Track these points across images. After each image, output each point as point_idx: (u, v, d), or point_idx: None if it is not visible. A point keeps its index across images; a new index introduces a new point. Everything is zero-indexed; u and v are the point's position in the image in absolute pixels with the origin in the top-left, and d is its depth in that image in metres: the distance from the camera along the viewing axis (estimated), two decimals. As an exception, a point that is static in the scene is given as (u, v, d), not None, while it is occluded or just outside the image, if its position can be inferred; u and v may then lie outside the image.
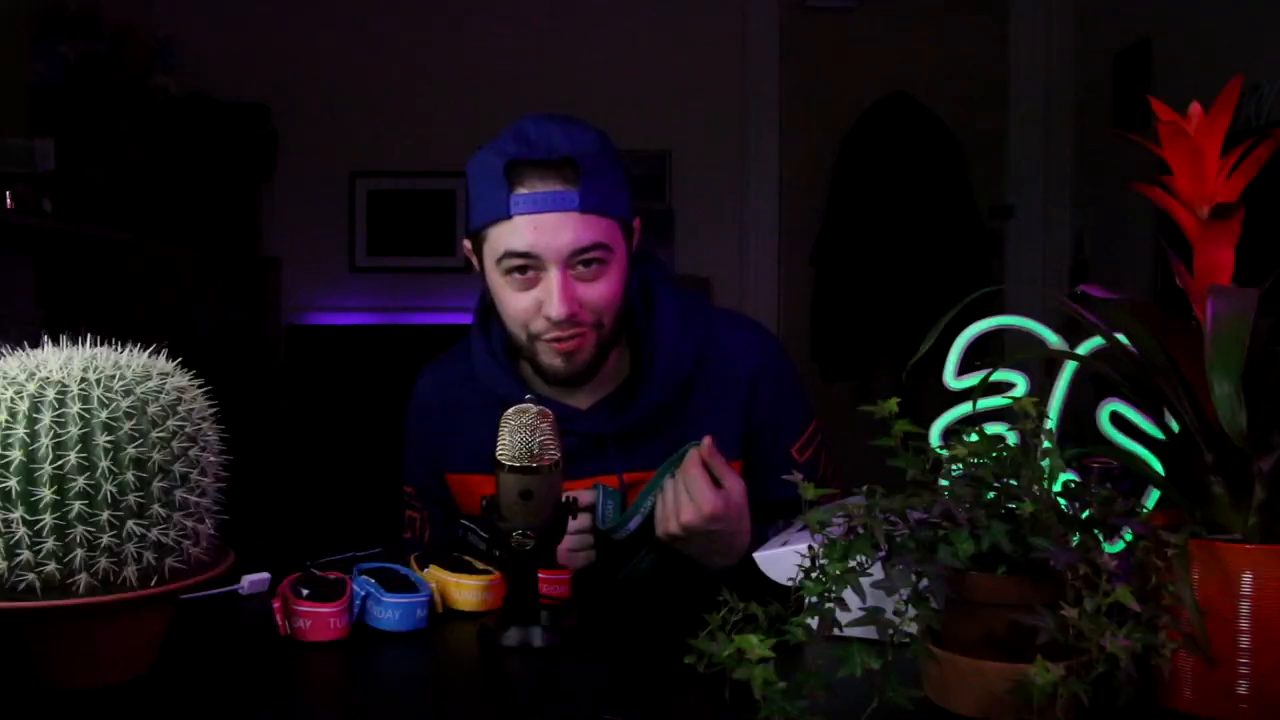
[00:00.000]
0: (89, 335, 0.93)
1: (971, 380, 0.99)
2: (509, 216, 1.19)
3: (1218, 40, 2.80)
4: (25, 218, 2.56)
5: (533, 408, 1.01)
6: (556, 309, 1.19)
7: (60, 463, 0.84)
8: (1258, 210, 0.85)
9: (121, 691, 0.88)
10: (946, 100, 3.83)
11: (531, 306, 1.22)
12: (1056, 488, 0.83)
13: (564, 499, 1.03)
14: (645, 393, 1.29)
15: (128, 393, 0.87)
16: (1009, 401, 0.89)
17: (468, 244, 1.28)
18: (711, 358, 1.32)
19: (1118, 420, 0.95)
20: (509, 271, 1.21)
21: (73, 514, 0.84)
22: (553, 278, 1.19)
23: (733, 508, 1.17)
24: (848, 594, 0.79)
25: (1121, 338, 0.88)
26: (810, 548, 0.83)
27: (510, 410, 1.01)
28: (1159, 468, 0.92)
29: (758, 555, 1.09)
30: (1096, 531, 0.82)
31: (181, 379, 0.93)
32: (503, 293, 1.23)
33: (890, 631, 0.78)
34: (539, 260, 1.19)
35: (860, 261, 3.80)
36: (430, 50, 3.77)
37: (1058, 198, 3.82)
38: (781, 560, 1.05)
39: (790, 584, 0.82)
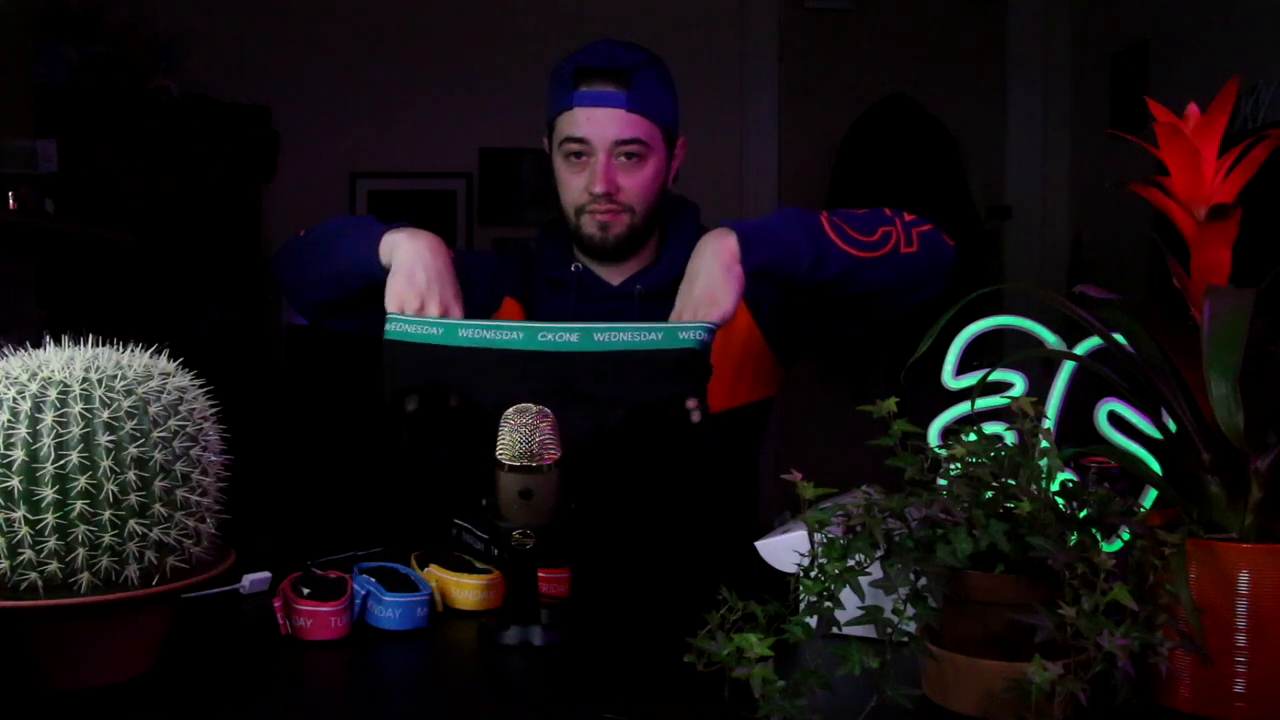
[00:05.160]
0: (91, 335, 0.94)
1: (970, 380, 0.99)
2: (571, 108, 1.46)
3: (1215, 42, 2.80)
4: (28, 218, 2.56)
5: (532, 408, 1.02)
6: (598, 185, 1.46)
7: (62, 462, 0.84)
8: (1254, 211, 0.85)
9: (123, 690, 0.89)
10: (945, 101, 3.83)
11: (581, 185, 1.48)
12: (1054, 487, 0.84)
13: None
14: (669, 250, 1.53)
15: (129, 392, 0.88)
16: (1007, 401, 0.90)
17: (546, 141, 1.56)
18: None
19: (1115, 420, 0.96)
20: (567, 155, 1.48)
21: (74, 513, 0.84)
22: (599, 161, 1.45)
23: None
24: (846, 593, 0.80)
25: (1119, 338, 0.89)
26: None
27: (510, 410, 1.02)
28: (1156, 467, 0.92)
29: (760, 544, 1.09)
30: (1094, 531, 0.82)
31: (183, 379, 0.93)
32: (562, 173, 1.50)
33: (889, 630, 0.78)
34: (590, 146, 1.45)
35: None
36: (430, 50, 3.77)
37: (1055, 198, 3.82)
38: (783, 548, 1.06)
39: (794, 569, 0.83)
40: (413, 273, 1.27)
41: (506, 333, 1.22)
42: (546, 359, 1.22)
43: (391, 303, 1.27)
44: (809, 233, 1.32)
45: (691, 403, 1.19)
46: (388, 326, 1.24)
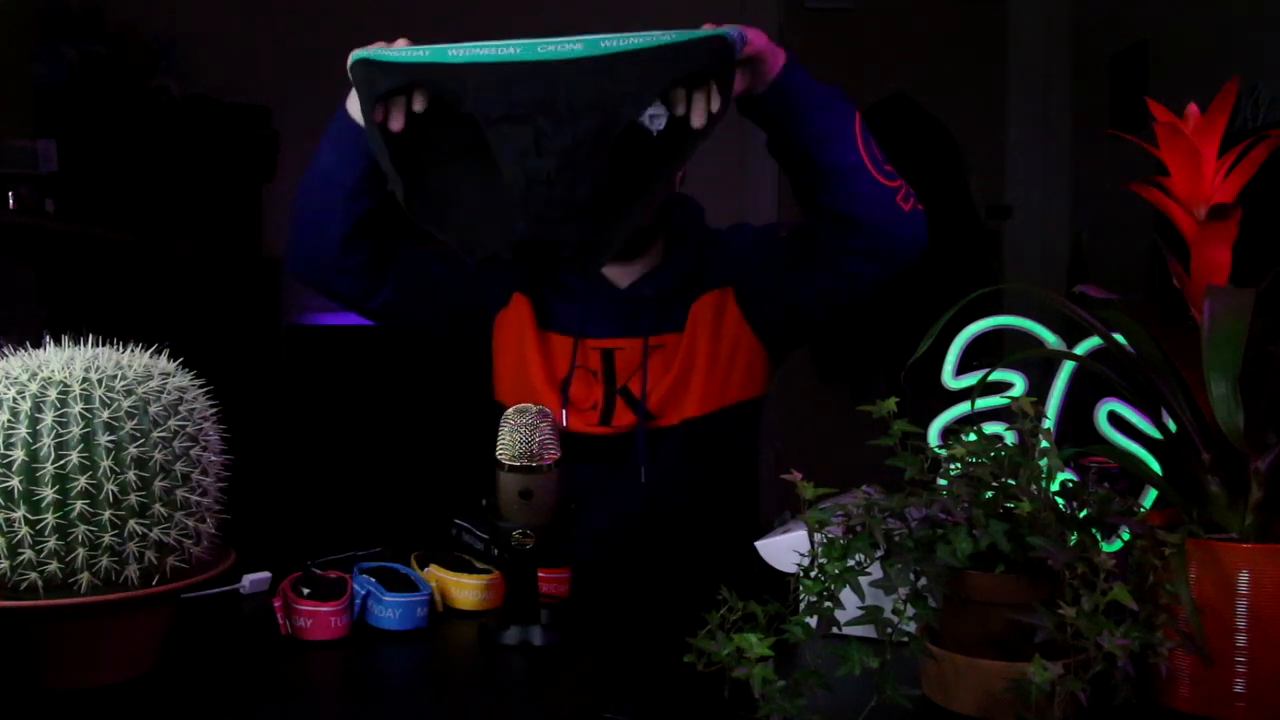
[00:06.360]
0: (91, 335, 0.94)
1: (970, 380, 0.99)
2: None
3: (1215, 42, 2.80)
4: (28, 219, 2.56)
5: (533, 408, 1.02)
6: None
7: (62, 462, 0.84)
8: (1254, 211, 0.85)
9: (123, 690, 0.89)
10: (944, 101, 3.83)
11: None
12: (1054, 487, 0.84)
13: None
14: (675, 252, 1.51)
15: (129, 392, 0.88)
16: (1007, 401, 0.90)
17: None
18: (726, 244, 1.57)
19: (1115, 420, 0.96)
20: None
21: (75, 513, 0.84)
22: None
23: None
24: (846, 593, 0.80)
25: (1119, 338, 0.89)
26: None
27: (510, 410, 1.02)
28: (1156, 467, 0.92)
29: (760, 544, 1.09)
30: (1094, 531, 0.82)
31: (183, 379, 0.93)
32: None
33: (889, 630, 0.78)
34: None
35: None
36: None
37: (1055, 198, 3.82)
38: (783, 548, 1.06)
39: (794, 569, 0.83)
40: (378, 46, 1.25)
41: (503, 49, 1.16)
42: (549, 69, 1.15)
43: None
44: (841, 114, 1.32)
45: (699, 112, 1.14)
46: (354, 52, 1.20)
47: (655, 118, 1.17)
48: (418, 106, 1.20)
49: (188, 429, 0.90)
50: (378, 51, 1.20)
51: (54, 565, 0.85)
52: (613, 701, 0.87)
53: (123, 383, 0.88)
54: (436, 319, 1.52)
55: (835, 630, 0.80)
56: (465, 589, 1.11)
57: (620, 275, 1.53)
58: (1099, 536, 0.82)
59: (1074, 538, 0.80)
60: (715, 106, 1.15)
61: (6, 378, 0.87)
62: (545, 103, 1.13)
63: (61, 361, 0.88)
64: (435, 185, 1.24)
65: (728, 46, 1.14)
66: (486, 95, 1.13)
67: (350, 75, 1.21)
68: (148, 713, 0.86)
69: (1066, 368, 0.98)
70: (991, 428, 0.96)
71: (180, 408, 0.90)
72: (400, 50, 1.21)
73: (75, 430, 0.85)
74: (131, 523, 0.86)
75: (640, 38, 1.13)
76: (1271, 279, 0.81)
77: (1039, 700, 0.73)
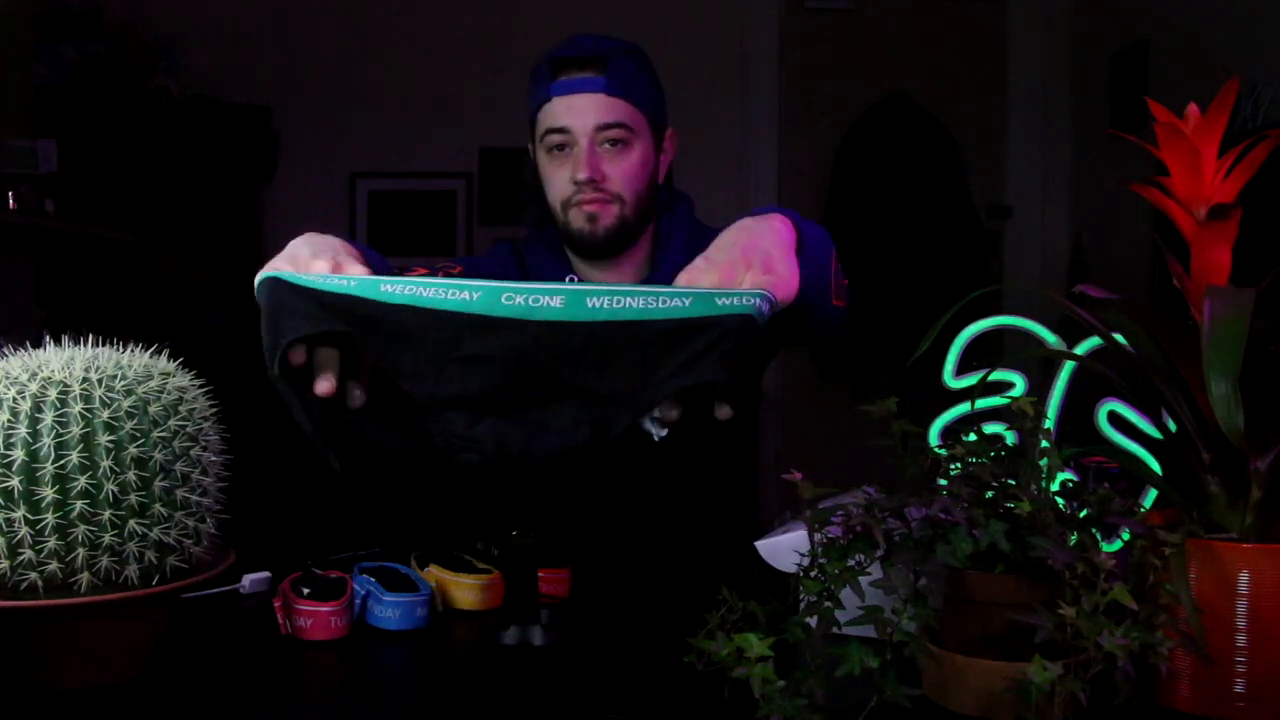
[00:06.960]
0: (91, 335, 0.94)
1: (970, 380, 0.99)
2: (550, 98, 1.43)
3: (1215, 42, 2.80)
4: (28, 219, 2.57)
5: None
6: (582, 171, 1.42)
7: (62, 462, 0.84)
8: (1255, 211, 0.85)
9: (122, 691, 0.89)
10: (944, 101, 3.83)
11: (566, 177, 1.44)
12: (1054, 487, 0.84)
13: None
14: (667, 257, 1.49)
15: (129, 392, 0.88)
16: (1007, 401, 0.90)
17: (530, 146, 1.52)
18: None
19: (1115, 420, 0.96)
20: (550, 149, 1.45)
21: (74, 513, 0.84)
22: (581, 148, 1.42)
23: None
24: (846, 593, 0.80)
25: (1119, 338, 0.89)
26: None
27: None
28: (1156, 467, 0.92)
29: (760, 544, 1.09)
30: (1094, 530, 0.82)
31: (183, 379, 0.93)
32: (546, 169, 1.46)
33: (889, 630, 0.78)
34: (571, 135, 1.42)
35: (858, 262, 3.80)
36: (430, 51, 3.77)
37: (1056, 198, 3.82)
38: (783, 548, 1.06)
39: (794, 569, 0.83)
40: (294, 255, 0.95)
41: (455, 291, 0.83)
42: (512, 329, 0.83)
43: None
44: (827, 263, 1.15)
45: (723, 411, 0.83)
46: (261, 274, 0.87)
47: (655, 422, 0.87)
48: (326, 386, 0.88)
49: (188, 429, 0.90)
50: (289, 274, 0.86)
51: (54, 565, 0.85)
52: (613, 701, 0.87)
53: (123, 383, 0.88)
54: None
55: (835, 630, 0.80)
56: (465, 589, 1.11)
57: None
58: (1099, 536, 0.82)
59: (1074, 538, 0.80)
60: (723, 415, 0.84)
61: (6, 378, 0.87)
62: (511, 387, 0.84)
63: (61, 361, 0.88)
64: (379, 445, 0.94)
65: (755, 325, 0.83)
66: (418, 370, 0.83)
67: (258, 300, 0.87)
68: (148, 713, 0.86)
69: (1066, 368, 0.98)
70: (991, 428, 0.96)
71: (180, 407, 0.91)
72: (316, 276, 0.86)
73: (75, 430, 0.85)
74: (131, 523, 0.86)
75: (644, 294, 0.83)
76: (1271, 279, 0.81)
77: (1039, 700, 0.73)
